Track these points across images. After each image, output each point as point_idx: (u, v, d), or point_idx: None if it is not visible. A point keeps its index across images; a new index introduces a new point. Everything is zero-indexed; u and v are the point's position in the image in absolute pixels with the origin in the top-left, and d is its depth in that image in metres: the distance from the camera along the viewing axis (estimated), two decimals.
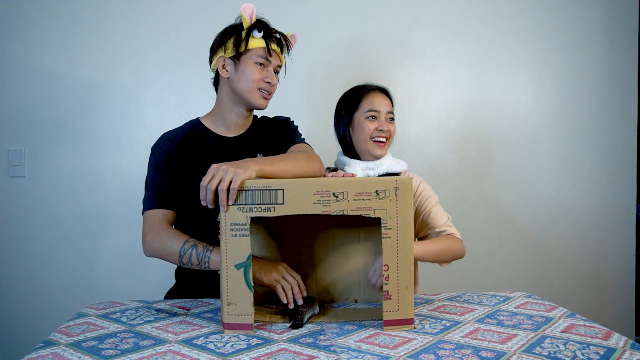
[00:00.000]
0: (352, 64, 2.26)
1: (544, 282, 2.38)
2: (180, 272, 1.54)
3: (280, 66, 1.47)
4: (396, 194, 1.08)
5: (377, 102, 1.56)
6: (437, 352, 0.97)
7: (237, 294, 1.06)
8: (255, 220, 1.08)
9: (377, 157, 1.56)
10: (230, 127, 1.48)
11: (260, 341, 1.03)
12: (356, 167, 1.55)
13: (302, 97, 2.26)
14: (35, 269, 2.15)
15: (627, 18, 2.40)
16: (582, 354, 0.95)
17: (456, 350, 0.98)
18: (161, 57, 2.18)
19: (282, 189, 1.06)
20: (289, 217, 1.08)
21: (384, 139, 1.55)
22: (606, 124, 2.41)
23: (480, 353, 0.96)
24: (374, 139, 1.55)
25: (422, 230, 1.55)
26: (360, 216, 1.07)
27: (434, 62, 2.32)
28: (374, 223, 1.11)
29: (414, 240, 1.49)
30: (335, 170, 1.60)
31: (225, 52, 1.41)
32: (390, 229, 1.08)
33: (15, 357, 2.09)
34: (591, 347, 0.99)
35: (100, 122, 2.17)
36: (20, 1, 2.11)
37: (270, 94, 1.44)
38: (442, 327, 1.12)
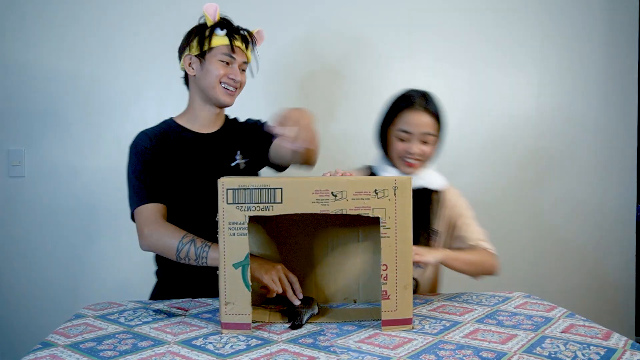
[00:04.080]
0: (352, 64, 2.26)
1: (544, 282, 2.38)
2: (162, 272, 1.53)
3: (246, 63, 1.48)
4: (395, 194, 1.07)
5: (411, 121, 1.41)
6: (438, 352, 0.97)
7: (235, 294, 1.06)
8: (253, 219, 1.08)
9: (405, 174, 1.47)
10: (204, 124, 1.50)
11: (259, 342, 1.03)
12: (389, 173, 1.49)
13: (299, 96, 2.26)
14: (34, 269, 2.15)
15: (627, 18, 2.40)
16: (583, 354, 0.95)
17: (457, 351, 0.97)
18: (161, 57, 2.18)
19: (281, 188, 1.05)
20: (287, 216, 1.08)
21: (414, 161, 1.43)
22: (606, 124, 2.41)
23: (480, 353, 0.96)
24: (403, 159, 1.45)
25: (455, 243, 1.46)
26: (359, 215, 1.07)
27: (434, 62, 2.31)
28: (373, 222, 1.10)
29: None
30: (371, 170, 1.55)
31: (190, 50, 1.44)
32: (389, 228, 1.08)
33: (13, 359, 2.08)
34: (591, 347, 0.99)
35: (100, 122, 2.17)
36: (20, 1, 2.11)
37: (235, 89, 1.46)
38: (442, 327, 1.12)
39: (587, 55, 2.38)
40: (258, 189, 1.05)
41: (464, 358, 0.94)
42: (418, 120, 1.41)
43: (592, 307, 2.39)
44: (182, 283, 1.48)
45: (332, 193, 1.06)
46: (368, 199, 1.07)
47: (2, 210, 2.14)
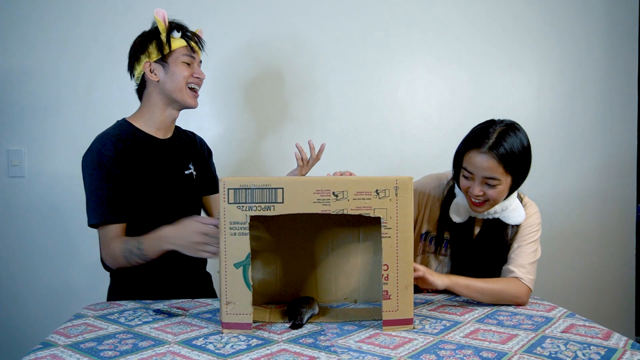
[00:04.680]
0: (353, 64, 2.26)
1: (544, 282, 2.38)
2: (115, 273, 1.50)
3: (201, 62, 1.52)
4: (396, 194, 1.07)
5: (473, 162, 1.32)
6: (438, 352, 0.97)
7: (236, 293, 1.06)
8: (254, 219, 1.08)
9: (475, 212, 1.42)
10: (161, 128, 1.50)
11: (260, 342, 1.03)
12: (460, 216, 1.44)
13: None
14: (34, 269, 2.14)
15: (627, 18, 2.40)
16: (583, 354, 0.95)
17: (457, 351, 0.97)
18: None
19: (282, 188, 1.05)
20: (288, 216, 1.08)
21: (479, 201, 1.36)
22: (606, 124, 2.41)
23: (481, 353, 0.96)
24: (469, 195, 1.38)
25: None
26: (360, 215, 1.07)
27: (433, 62, 2.31)
28: (374, 222, 1.10)
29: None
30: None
31: (149, 57, 1.44)
32: (390, 228, 1.08)
33: (13, 358, 2.08)
34: (592, 347, 0.99)
35: (100, 122, 2.16)
36: (20, 1, 2.11)
37: (199, 88, 1.50)
38: (443, 327, 1.12)
39: (587, 55, 2.38)
40: (259, 188, 1.05)
41: (464, 358, 0.94)
42: (480, 163, 1.31)
43: (592, 307, 2.39)
44: (135, 283, 1.46)
45: (333, 193, 1.06)
46: (369, 199, 1.07)
47: (2, 210, 2.14)
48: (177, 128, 1.60)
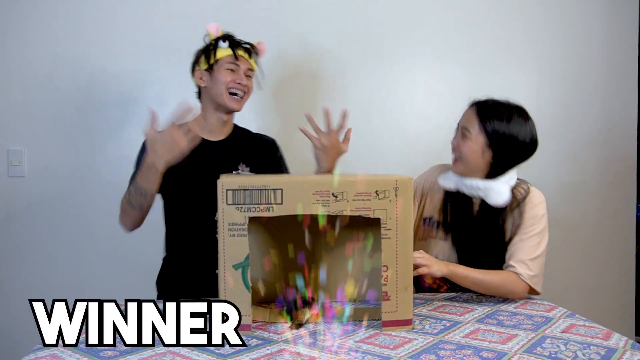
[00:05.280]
0: (353, 64, 2.26)
1: (544, 282, 2.37)
2: (162, 280, 1.65)
3: (251, 69, 1.60)
4: (396, 195, 1.07)
5: (463, 115, 1.45)
6: (438, 352, 0.97)
7: (235, 294, 1.06)
8: (253, 219, 1.08)
9: (456, 174, 1.45)
10: (212, 130, 1.61)
11: (260, 342, 1.03)
12: (449, 179, 1.47)
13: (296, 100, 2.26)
14: (34, 269, 2.14)
15: (627, 18, 2.39)
16: (583, 354, 0.95)
17: (457, 351, 0.97)
18: (161, 56, 2.18)
19: (281, 189, 1.05)
20: (288, 216, 1.07)
21: (454, 155, 1.44)
22: (606, 124, 2.41)
23: (481, 353, 0.96)
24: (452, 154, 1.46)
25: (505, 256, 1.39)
26: (360, 216, 1.07)
27: (434, 62, 2.31)
28: (374, 223, 1.10)
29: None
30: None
31: (200, 66, 1.58)
32: (390, 229, 1.08)
33: (13, 358, 2.08)
34: (592, 347, 0.99)
35: (100, 122, 2.16)
36: (20, 1, 2.11)
37: (243, 94, 1.57)
38: (443, 327, 1.12)
39: (587, 55, 2.38)
40: (258, 189, 1.05)
41: (464, 358, 0.94)
42: (464, 114, 1.44)
43: (592, 307, 2.39)
44: (185, 268, 1.58)
45: (332, 194, 1.06)
46: (369, 200, 1.07)
47: (2, 210, 2.13)
48: (239, 130, 1.68)
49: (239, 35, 1.61)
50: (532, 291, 1.37)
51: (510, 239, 1.39)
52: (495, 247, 1.39)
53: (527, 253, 1.35)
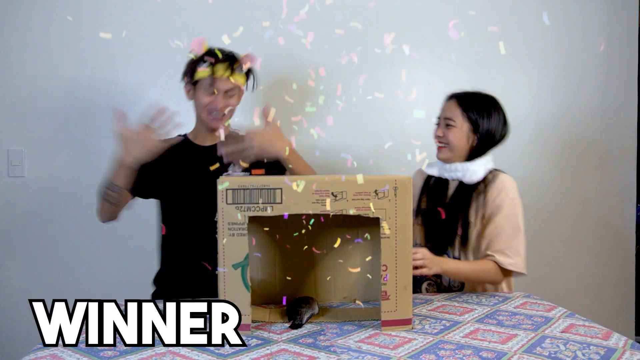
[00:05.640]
0: (352, 64, 2.26)
1: (544, 282, 2.37)
2: (160, 279, 1.67)
3: (232, 88, 1.58)
4: (395, 194, 1.08)
5: (442, 107, 1.62)
6: (438, 352, 0.97)
7: (234, 294, 1.06)
8: (253, 220, 1.08)
9: (439, 159, 1.61)
10: (203, 137, 1.65)
11: (260, 342, 1.03)
12: (435, 167, 1.64)
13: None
14: (35, 269, 2.14)
15: (627, 18, 2.39)
16: (583, 354, 0.95)
17: (457, 351, 0.97)
18: (161, 57, 2.18)
19: (281, 188, 1.05)
20: (288, 216, 1.08)
21: (440, 144, 1.59)
22: (606, 124, 2.40)
23: (480, 353, 0.96)
24: (436, 144, 1.62)
25: (483, 243, 1.50)
26: (359, 215, 1.07)
27: (434, 62, 2.31)
28: (374, 222, 1.10)
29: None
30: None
31: (185, 80, 1.62)
32: (389, 229, 1.08)
33: (13, 358, 2.08)
34: (591, 347, 0.99)
35: (100, 122, 2.16)
36: (20, 1, 2.11)
37: (224, 114, 1.58)
38: (442, 327, 1.12)
39: (587, 55, 2.38)
40: (258, 189, 1.05)
41: (464, 358, 0.94)
42: (444, 107, 1.60)
43: (592, 307, 2.39)
44: (179, 289, 1.56)
45: (332, 193, 1.06)
46: (368, 199, 1.07)
47: (2, 210, 2.13)
48: (232, 135, 1.66)
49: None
50: (518, 273, 1.49)
51: (484, 226, 1.49)
52: (462, 227, 1.52)
53: (504, 240, 1.46)
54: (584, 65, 2.38)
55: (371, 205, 1.07)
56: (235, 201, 1.05)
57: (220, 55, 1.55)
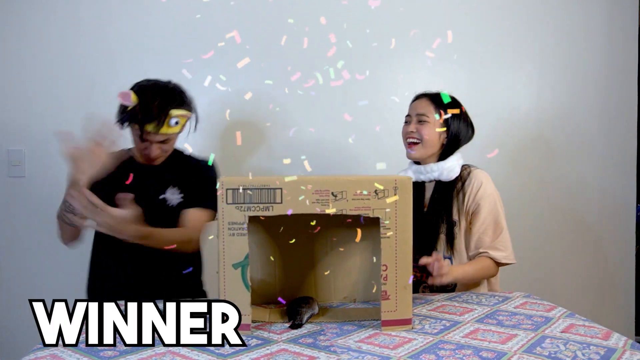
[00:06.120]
0: (352, 64, 2.26)
1: (544, 282, 2.38)
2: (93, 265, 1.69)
3: (165, 139, 1.53)
4: (395, 194, 1.07)
5: (412, 106, 1.66)
6: (438, 352, 0.97)
7: (234, 294, 1.06)
8: (253, 220, 1.08)
9: (410, 159, 1.66)
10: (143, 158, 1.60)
11: (259, 342, 1.03)
12: (409, 172, 1.67)
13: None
14: (34, 269, 2.14)
15: (627, 18, 2.40)
16: (583, 354, 0.95)
17: (457, 351, 0.97)
18: (161, 57, 2.18)
19: (281, 188, 1.05)
20: (287, 216, 1.07)
21: (412, 140, 1.62)
22: (606, 123, 2.41)
23: (480, 353, 0.96)
24: (406, 142, 1.65)
25: (472, 241, 1.54)
26: (359, 215, 1.07)
27: (434, 62, 2.31)
28: (373, 222, 1.10)
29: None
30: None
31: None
32: (389, 228, 1.08)
33: (13, 358, 2.08)
34: (591, 347, 0.99)
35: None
36: (20, 1, 2.11)
37: (157, 157, 1.56)
38: (442, 327, 1.12)
39: (587, 55, 2.38)
40: (258, 189, 1.05)
41: (464, 358, 0.94)
42: (417, 104, 1.64)
43: (592, 307, 2.39)
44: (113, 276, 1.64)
45: (332, 193, 1.06)
46: (368, 199, 1.07)
47: (2, 210, 2.14)
48: (177, 156, 1.64)
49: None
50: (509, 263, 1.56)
51: (469, 223, 1.54)
52: (447, 227, 1.56)
53: (492, 236, 1.52)
54: (584, 65, 2.38)
55: (371, 205, 1.07)
56: (235, 201, 1.05)
57: (149, 111, 1.48)
